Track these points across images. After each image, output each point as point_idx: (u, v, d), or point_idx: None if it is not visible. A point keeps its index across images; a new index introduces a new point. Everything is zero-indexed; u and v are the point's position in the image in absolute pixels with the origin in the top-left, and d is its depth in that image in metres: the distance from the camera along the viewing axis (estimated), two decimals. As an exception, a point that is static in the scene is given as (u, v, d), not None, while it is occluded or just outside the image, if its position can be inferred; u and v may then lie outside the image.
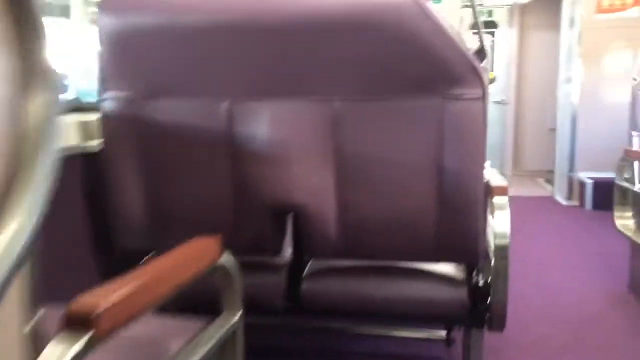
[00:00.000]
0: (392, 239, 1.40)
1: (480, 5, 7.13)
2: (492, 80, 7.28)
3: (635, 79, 2.68)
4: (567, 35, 5.12)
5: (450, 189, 1.33)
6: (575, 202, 4.84)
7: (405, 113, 1.32)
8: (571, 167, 4.93)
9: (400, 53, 1.26)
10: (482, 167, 1.35)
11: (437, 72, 1.27)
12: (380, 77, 1.31)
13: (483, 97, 1.27)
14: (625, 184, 2.56)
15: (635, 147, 2.55)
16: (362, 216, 1.39)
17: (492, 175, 1.54)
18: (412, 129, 1.32)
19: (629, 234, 2.51)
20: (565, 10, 5.15)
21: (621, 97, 4.71)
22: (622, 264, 2.76)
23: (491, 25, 7.24)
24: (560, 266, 3.14)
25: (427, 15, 1.22)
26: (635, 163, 2.50)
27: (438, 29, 1.22)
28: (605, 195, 4.53)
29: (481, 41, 1.32)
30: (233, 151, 1.40)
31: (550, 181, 5.84)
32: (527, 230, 3.95)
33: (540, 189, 5.96)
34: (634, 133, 2.57)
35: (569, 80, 5.05)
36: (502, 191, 1.48)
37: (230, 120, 1.39)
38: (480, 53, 1.30)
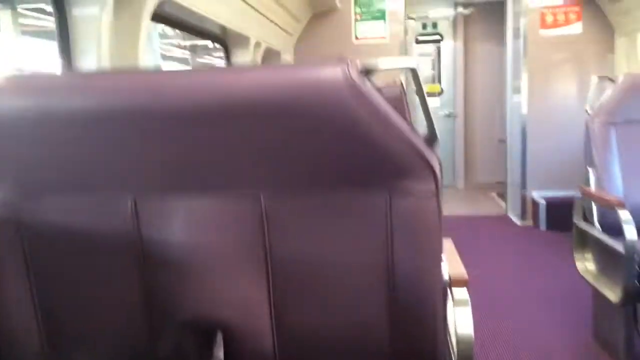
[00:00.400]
0: (337, 354, 1.18)
1: (425, 17, 7.07)
2: (439, 93, 7.22)
3: (587, 112, 2.57)
4: (512, 46, 5.03)
5: (403, 296, 1.12)
6: (530, 222, 4.77)
7: (346, 209, 1.10)
8: (523, 184, 4.85)
9: (336, 142, 1.04)
10: (439, 268, 1.15)
11: (380, 164, 1.05)
12: (316, 168, 1.09)
13: (436, 191, 1.07)
14: (584, 226, 2.44)
15: (592, 185, 2.43)
16: (302, 330, 1.16)
17: (451, 261, 1.36)
18: (356, 228, 1.11)
19: (590, 279, 2.38)
20: (509, 21, 5.07)
21: (569, 111, 4.67)
22: (584, 305, 2.64)
23: (437, 37, 7.17)
24: (519, 306, 3.01)
25: (365, 100, 1.00)
26: (594, 204, 2.38)
27: (378, 115, 1.01)
28: (559, 215, 4.48)
29: (431, 125, 1.12)
30: (142, 257, 1.15)
31: (502, 196, 5.78)
32: (482, 259, 3.82)
33: (494, 206, 5.88)
34: (590, 169, 2.45)
35: (517, 90, 4.96)
36: (463, 283, 1.28)
37: (137, 220, 1.13)
38: (431, 139, 1.10)
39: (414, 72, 1.12)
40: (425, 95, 1.15)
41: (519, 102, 4.89)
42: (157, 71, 1.14)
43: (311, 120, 1.02)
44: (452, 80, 7.11)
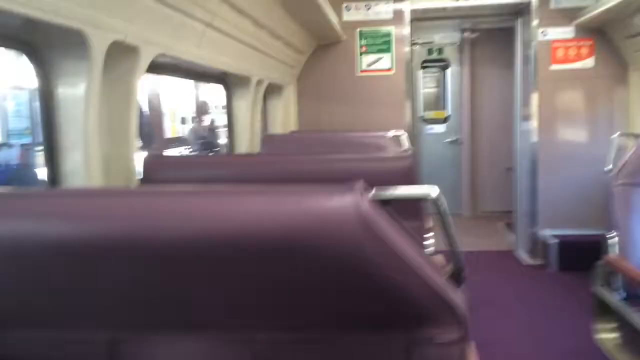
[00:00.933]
0: None
1: (431, 42, 6.94)
2: (445, 119, 7.09)
3: (609, 171, 2.41)
4: (521, 72, 4.87)
5: None
6: (540, 261, 4.60)
7: (356, 358, 0.95)
8: (533, 221, 4.68)
9: (343, 282, 0.89)
10: None
11: (395, 308, 0.90)
12: (320, 309, 0.94)
13: (462, 339, 0.92)
14: (607, 295, 2.28)
15: (616, 251, 2.28)
16: None
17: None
18: None
19: (613, 351, 2.22)
20: (518, 48, 4.90)
21: (582, 146, 4.53)
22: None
23: (443, 62, 7.04)
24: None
25: (378, 236, 0.84)
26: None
27: (393, 254, 0.86)
28: (572, 256, 4.32)
29: (458, 258, 0.98)
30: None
31: (510, 227, 5.62)
32: (489, 306, 3.66)
33: (501, 239, 5.71)
34: (613, 234, 2.30)
35: (527, 117, 4.77)
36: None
37: None
38: (458, 275, 0.96)
39: (435, 203, 0.98)
40: (451, 224, 1.01)
41: (529, 130, 4.71)
42: (141, 192, 0.99)
43: (315, 257, 0.87)
44: (458, 106, 6.97)
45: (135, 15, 1.79)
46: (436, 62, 7.04)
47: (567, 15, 4.38)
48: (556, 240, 4.37)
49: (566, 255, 4.32)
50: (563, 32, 4.39)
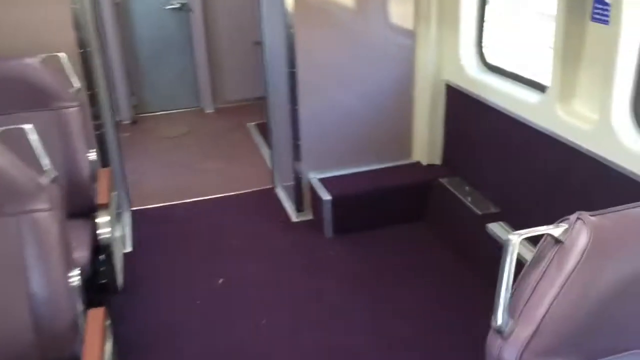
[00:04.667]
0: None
1: None
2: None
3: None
4: None
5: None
6: (309, 215, 3.32)
7: None
8: (296, 155, 3.27)
9: None
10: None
11: None
12: None
13: None
14: None
15: None
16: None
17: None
18: None
19: None
20: None
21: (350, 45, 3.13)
22: None
23: None
24: None
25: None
26: None
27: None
28: (349, 211, 3.14)
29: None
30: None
31: (264, 130, 4.22)
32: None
33: (254, 157, 4.30)
34: None
35: None
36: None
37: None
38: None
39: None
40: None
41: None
42: None
43: None
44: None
45: None
46: None
47: None
48: (329, 198, 3.06)
49: (342, 211, 3.10)
50: None
